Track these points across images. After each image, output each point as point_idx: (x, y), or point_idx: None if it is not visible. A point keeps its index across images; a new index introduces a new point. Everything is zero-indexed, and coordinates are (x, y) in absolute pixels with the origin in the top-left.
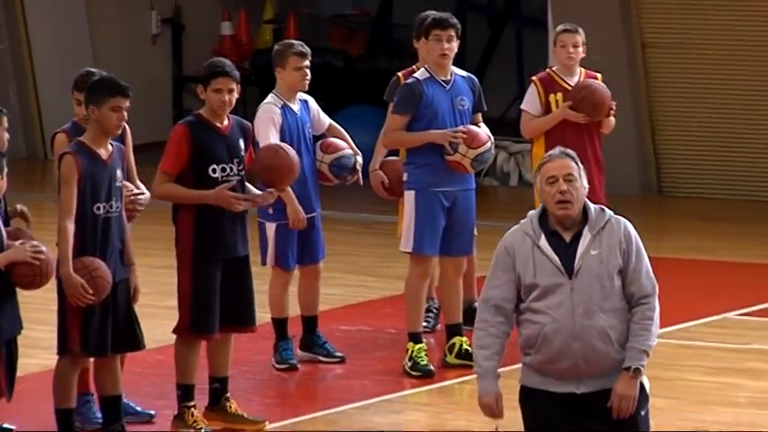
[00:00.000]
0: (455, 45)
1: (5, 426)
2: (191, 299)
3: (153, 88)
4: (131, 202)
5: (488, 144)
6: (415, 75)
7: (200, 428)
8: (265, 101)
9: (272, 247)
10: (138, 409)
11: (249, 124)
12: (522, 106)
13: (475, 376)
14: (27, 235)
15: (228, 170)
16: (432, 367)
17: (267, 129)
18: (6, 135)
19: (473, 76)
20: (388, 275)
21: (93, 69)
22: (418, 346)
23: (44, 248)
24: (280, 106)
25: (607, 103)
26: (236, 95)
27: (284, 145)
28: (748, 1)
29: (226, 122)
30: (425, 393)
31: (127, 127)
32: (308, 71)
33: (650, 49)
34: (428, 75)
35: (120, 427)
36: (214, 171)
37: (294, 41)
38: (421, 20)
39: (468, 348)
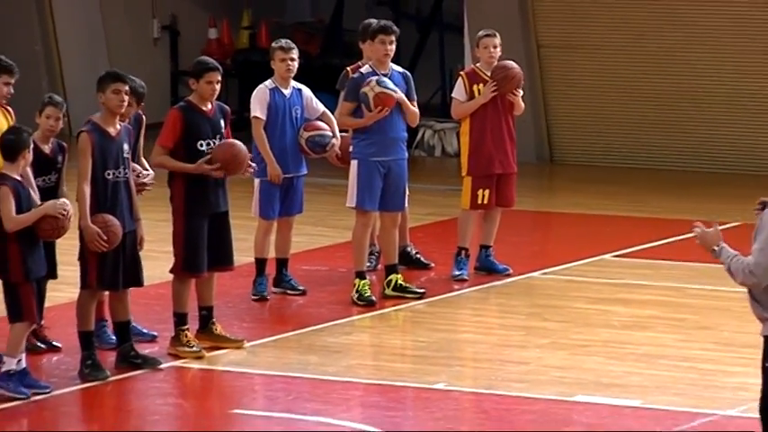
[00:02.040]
0: (394, 47)
1: (54, 343)
2: (183, 245)
3: (154, 81)
4: (140, 183)
5: (322, 131)
6: (361, 70)
7: (193, 346)
8: (262, 84)
9: (256, 200)
10: (144, 330)
11: (228, 108)
12: (453, 94)
13: (409, 304)
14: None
15: (213, 144)
16: (374, 298)
17: (255, 104)
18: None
19: (407, 72)
20: (339, 227)
21: (112, 69)
22: (363, 281)
23: (69, 205)
24: (270, 89)
25: (515, 74)
26: (219, 86)
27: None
28: (619, 11)
29: (210, 107)
30: (369, 319)
31: (143, 117)
32: (291, 63)
33: (544, 48)
34: (371, 70)
35: (130, 346)
36: (201, 145)
37: (282, 40)
38: (366, 26)
39: (402, 283)
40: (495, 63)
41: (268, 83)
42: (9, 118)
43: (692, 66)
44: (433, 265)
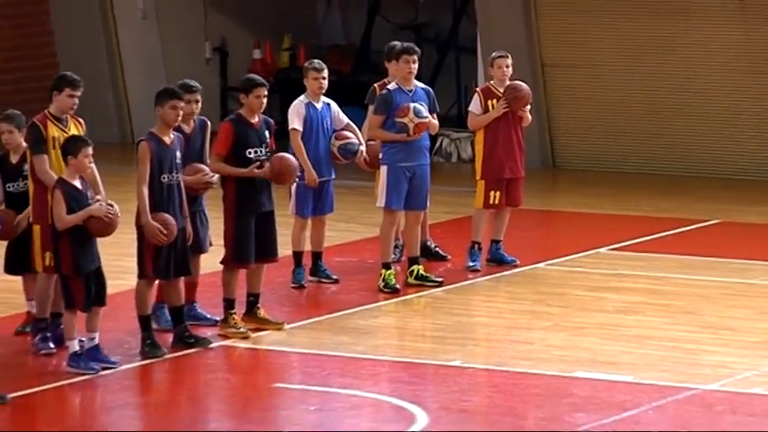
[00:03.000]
0: (416, 66)
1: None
2: (233, 240)
3: (206, 96)
4: (206, 182)
5: (351, 140)
6: (388, 87)
7: (240, 328)
8: (297, 99)
9: (293, 201)
10: (208, 315)
11: (272, 121)
12: (470, 108)
13: (429, 291)
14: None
15: (260, 152)
16: (398, 286)
17: (294, 117)
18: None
19: (429, 88)
20: (368, 224)
21: (189, 82)
22: (389, 271)
23: (116, 207)
24: (305, 103)
25: (525, 94)
26: (266, 100)
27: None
28: (613, 36)
29: (257, 119)
30: (393, 304)
31: (209, 123)
32: (323, 81)
33: (548, 68)
34: (397, 87)
35: (184, 327)
36: (249, 153)
37: (315, 61)
38: (391, 47)
39: (423, 273)
40: (507, 81)
41: (302, 98)
42: (80, 127)
43: (677, 83)
44: (449, 257)
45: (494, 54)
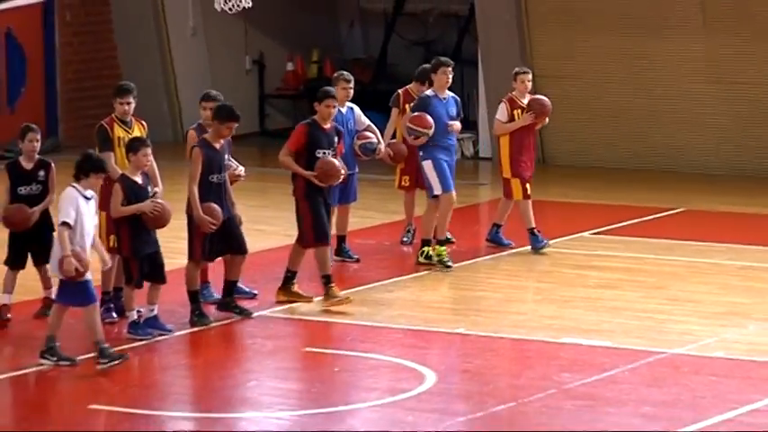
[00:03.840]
0: (451, 77)
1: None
2: (312, 224)
3: (247, 102)
4: (235, 176)
5: (371, 140)
6: (427, 93)
7: (340, 296)
8: None
9: None
10: (247, 289)
11: (342, 128)
12: (497, 116)
13: (437, 270)
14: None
15: (326, 154)
16: (451, 263)
17: None
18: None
19: (456, 96)
20: (385, 211)
21: (210, 90)
22: (442, 247)
23: (165, 205)
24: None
25: (549, 109)
26: (335, 110)
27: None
28: (597, 50)
29: (329, 125)
30: (407, 280)
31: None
32: (350, 90)
33: (540, 78)
34: (434, 94)
35: (232, 299)
36: (318, 153)
37: (345, 73)
38: (435, 62)
39: (432, 254)
40: (527, 92)
41: None
42: (142, 129)
43: (650, 90)
44: (454, 240)
45: (516, 70)
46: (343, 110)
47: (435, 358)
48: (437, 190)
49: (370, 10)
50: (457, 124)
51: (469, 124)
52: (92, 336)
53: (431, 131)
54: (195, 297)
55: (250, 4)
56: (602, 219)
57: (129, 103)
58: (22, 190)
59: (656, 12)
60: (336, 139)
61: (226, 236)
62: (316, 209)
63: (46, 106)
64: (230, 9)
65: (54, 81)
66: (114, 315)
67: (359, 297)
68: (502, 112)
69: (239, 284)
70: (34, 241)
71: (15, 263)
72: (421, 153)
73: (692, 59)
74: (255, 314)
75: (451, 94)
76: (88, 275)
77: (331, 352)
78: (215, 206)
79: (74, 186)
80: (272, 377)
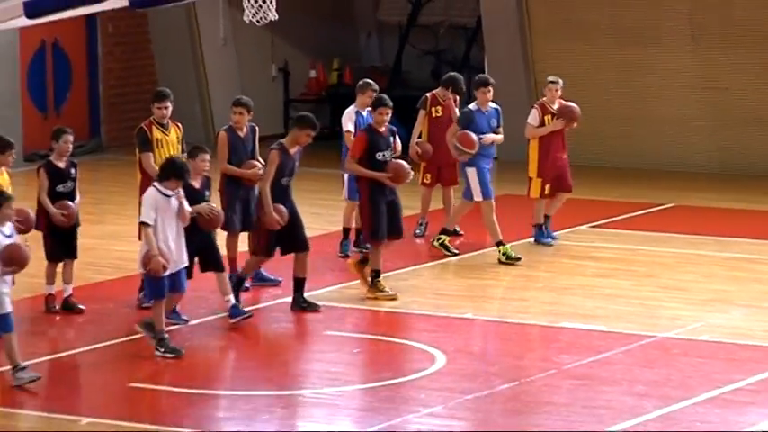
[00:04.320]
0: (491, 95)
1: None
2: (369, 223)
3: (273, 106)
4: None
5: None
6: (470, 107)
7: (387, 291)
8: (348, 108)
9: (345, 187)
10: (271, 277)
11: (396, 129)
12: (528, 121)
13: (447, 260)
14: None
15: (385, 155)
16: (519, 256)
17: (347, 121)
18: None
19: (498, 107)
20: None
21: (242, 97)
22: (505, 247)
23: (218, 210)
24: (355, 111)
25: (578, 115)
26: (389, 116)
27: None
28: (590, 59)
29: (383, 129)
30: (419, 269)
31: (257, 128)
32: (373, 95)
33: (540, 83)
34: (477, 108)
35: (301, 294)
36: (378, 156)
37: (371, 82)
38: (477, 79)
39: (447, 243)
40: (557, 99)
41: (352, 108)
42: (178, 130)
43: (641, 96)
44: (463, 233)
45: (549, 78)
46: (364, 113)
47: (445, 341)
48: (477, 197)
49: (386, 22)
50: (489, 137)
51: None
52: (158, 324)
53: (473, 151)
54: (241, 283)
55: (276, 17)
56: (599, 213)
57: (166, 108)
58: (60, 188)
59: (648, 24)
60: (392, 140)
61: (291, 234)
62: (376, 210)
63: (89, 110)
64: (258, 21)
65: (97, 87)
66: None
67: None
68: (534, 117)
69: (263, 272)
70: (67, 236)
71: (54, 256)
72: (468, 160)
73: (681, 68)
74: (280, 300)
75: (494, 105)
76: (172, 269)
77: (350, 335)
78: (282, 207)
79: (155, 186)
80: (296, 359)
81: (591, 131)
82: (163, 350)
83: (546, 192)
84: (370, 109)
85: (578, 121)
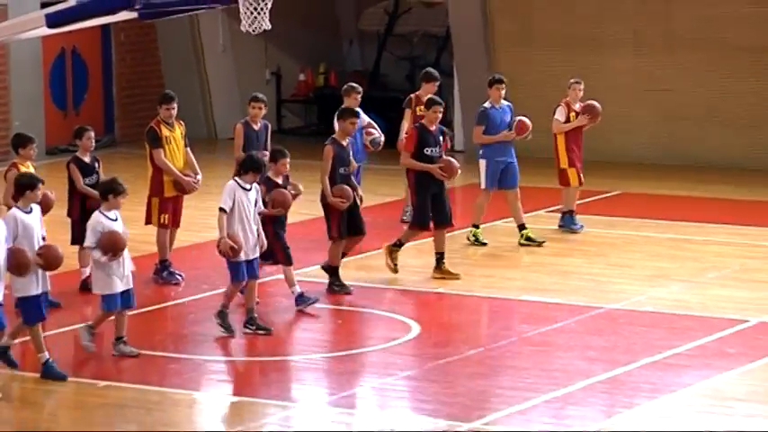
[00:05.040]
0: (504, 92)
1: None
2: (417, 212)
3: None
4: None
5: (376, 135)
6: (485, 105)
7: (452, 273)
8: (341, 107)
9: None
10: None
11: (445, 128)
12: (555, 116)
13: (420, 241)
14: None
15: (433, 151)
16: (485, 241)
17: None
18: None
19: (511, 104)
20: (377, 193)
21: (258, 93)
22: (478, 230)
23: (287, 195)
24: None
25: (600, 112)
26: (440, 115)
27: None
28: (548, 63)
29: (434, 128)
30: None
31: (269, 125)
32: (359, 98)
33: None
34: (491, 105)
35: (333, 279)
36: (427, 151)
37: (355, 85)
38: (491, 78)
39: (531, 235)
40: (579, 98)
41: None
42: (181, 128)
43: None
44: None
45: (571, 80)
46: None
47: (420, 313)
48: (483, 185)
49: (366, 31)
50: (503, 134)
51: (446, 123)
52: (247, 303)
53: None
54: (335, 271)
55: (269, 26)
56: (555, 200)
57: (173, 108)
58: (86, 180)
59: (596, 32)
60: (441, 138)
61: (352, 219)
62: (423, 200)
63: (104, 109)
64: (253, 30)
65: (111, 89)
66: (179, 277)
67: (358, 264)
68: (561, 113)
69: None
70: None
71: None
72: (480, 152)
73: (626, 71)
74: (275, 278)
75: (507, 102)
76: (250, 256)
77: (335, 308)
78: (345, 186)
79: (235, 180)
80: (288, 329)
81: (548, 128)
82: (254, 328)
83: (582, 179)
84: (408, 108)
85: (598, 117)
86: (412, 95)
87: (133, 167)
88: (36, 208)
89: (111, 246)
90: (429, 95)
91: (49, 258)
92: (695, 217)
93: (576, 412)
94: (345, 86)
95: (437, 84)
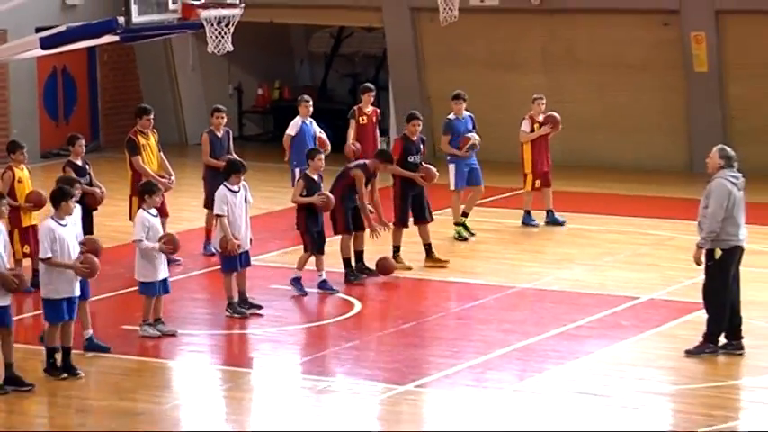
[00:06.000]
0: (464, 106)
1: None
2: (399, 212)
3: (230, 116)
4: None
5: (327, 147)
6: (449, 117)
7: (442, 260)
8: (296, 118)
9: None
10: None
11: (425, 138)
12: (522, 128)
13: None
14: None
15: (415, 158)
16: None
17: (292, 128)
18: None
19: (472, 114)
20: None
21: (219, 105)
22: (459, 227)
23: (329, 195)
24: (300, 122)
25: (559, 122)
26: (420, 127)
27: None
28: (475, 80)
29: (415, 138)
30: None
31: (230, 132)
32: (310, 108)
33: (432, 99)
34: (455, 117)
35: (359, 265)
36: (410, 158)
37: (306, 96)
38: (454, 94)
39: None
40: (542, 111)
41: (298, 119)
42: (154, 136)
43: (510, 108)
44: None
45: (534, 96)
46: (307, 122)
47: (361, 293)
48: (452, 186)
49: (315, 52)
50: (472, 136)
51: (384, 131)
52: (240, 286)
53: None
54: (348, 263)
55: (232, 48)
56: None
57: (150, 119)
58: (81, 180)
59: (511, 54)
60: (422, 146)
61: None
62: (405, 203)
63: (90, 119)
64: (218, 51)
65: (96, 102)
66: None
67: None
68: (526, 125)
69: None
70: (89, 216)
71: (86, 232)
72: (448, 158)
73: (536, 86)
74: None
75: (468, 113)
76: (244, 247)
77: (289, 288)
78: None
79: (224, 185)
80: (264, 294)
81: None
82: (231, 311)
83: (536, 185)
84: (352, 118)
85: (558, 128)
86: (355, 107)
87: (116, 170)
88: (70, 219)
89: (174, 244)
90: (411, 112)
91: (92, 265)
92: (593, 210)
93: (494, 376)
94: (298, 98)
95: (373, 94)
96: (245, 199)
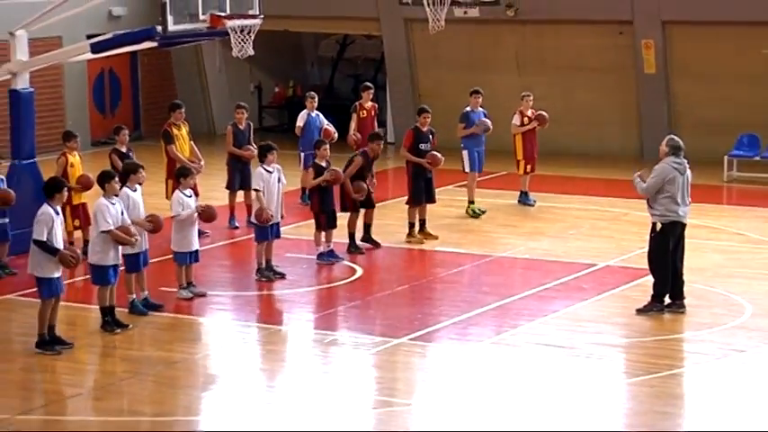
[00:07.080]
0: (481, 100)
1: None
2: (412, 192)
3: (251, 110)
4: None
5: (334, 136)
6: (466, 109)
7: (418, 238)
8: (302, 111)
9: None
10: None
11: (434, 130)
12: (513, 122)
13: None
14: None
15: (426, 146)
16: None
17: (301, 119)
18: None
19: (485, 111)
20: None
21: (241, 101)
22: (473, 205)
23: (339, 171)
24: (307, 113)
25: (547, 119)
26: (429, 119)
27: None
28: (456, 81)
29: (426, 129)
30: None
31: (251, 124)
32: (315, 102)
33: (422, 97)
34: (471, 109)
35: (367, 235)
36: (421, 146)
37: (312, 92)
38: (472, 90)
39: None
40: (530, 107)
41: (305, 111)
42: (186, 127)
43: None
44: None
45: (523, 93)
46: (313, 114)
47: (362, 261)
48: (467, 169)
49: (324, 56)
50: (484, 122)
51: (381, 123)
52: (267, 254)
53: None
54: (352, 236)
55: (253, 53)
56: (460, 178)
57: (182, 113)
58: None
59: (488, 57)
60: (431, 136)
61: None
62: (418, 184)
63: (133, 112)
64: (241, 55)
65: (138, 98)
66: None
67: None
68: (517, 119)
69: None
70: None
71: None
72: (462, 144)
73: (511, 86)
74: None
75: (482, 109)
76: (274, 220)
77: (301, 256)
78: (363, 184)
79: (261, 165)
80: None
81: (451, 129)
82: (259, 276)
83: (528, 170)
84: (354, 112)
85: (545, 123)
86: (356, 103)
87: (155, 155)
88: (139, 188)
89: (210, 215)
90: (422, 106)
91: (156, 223)
92: (560, 190)
93: (474, 330)
94: (305, 95)
95: (372, 92)
96: (279, 179)
